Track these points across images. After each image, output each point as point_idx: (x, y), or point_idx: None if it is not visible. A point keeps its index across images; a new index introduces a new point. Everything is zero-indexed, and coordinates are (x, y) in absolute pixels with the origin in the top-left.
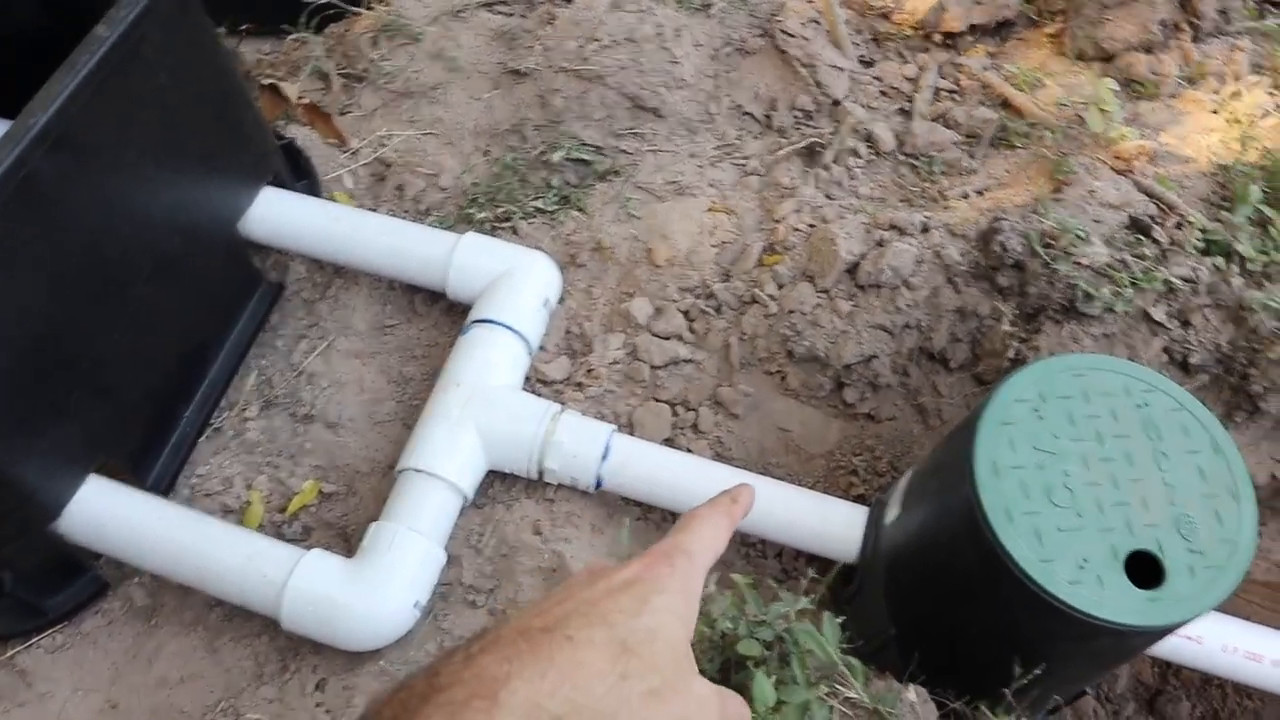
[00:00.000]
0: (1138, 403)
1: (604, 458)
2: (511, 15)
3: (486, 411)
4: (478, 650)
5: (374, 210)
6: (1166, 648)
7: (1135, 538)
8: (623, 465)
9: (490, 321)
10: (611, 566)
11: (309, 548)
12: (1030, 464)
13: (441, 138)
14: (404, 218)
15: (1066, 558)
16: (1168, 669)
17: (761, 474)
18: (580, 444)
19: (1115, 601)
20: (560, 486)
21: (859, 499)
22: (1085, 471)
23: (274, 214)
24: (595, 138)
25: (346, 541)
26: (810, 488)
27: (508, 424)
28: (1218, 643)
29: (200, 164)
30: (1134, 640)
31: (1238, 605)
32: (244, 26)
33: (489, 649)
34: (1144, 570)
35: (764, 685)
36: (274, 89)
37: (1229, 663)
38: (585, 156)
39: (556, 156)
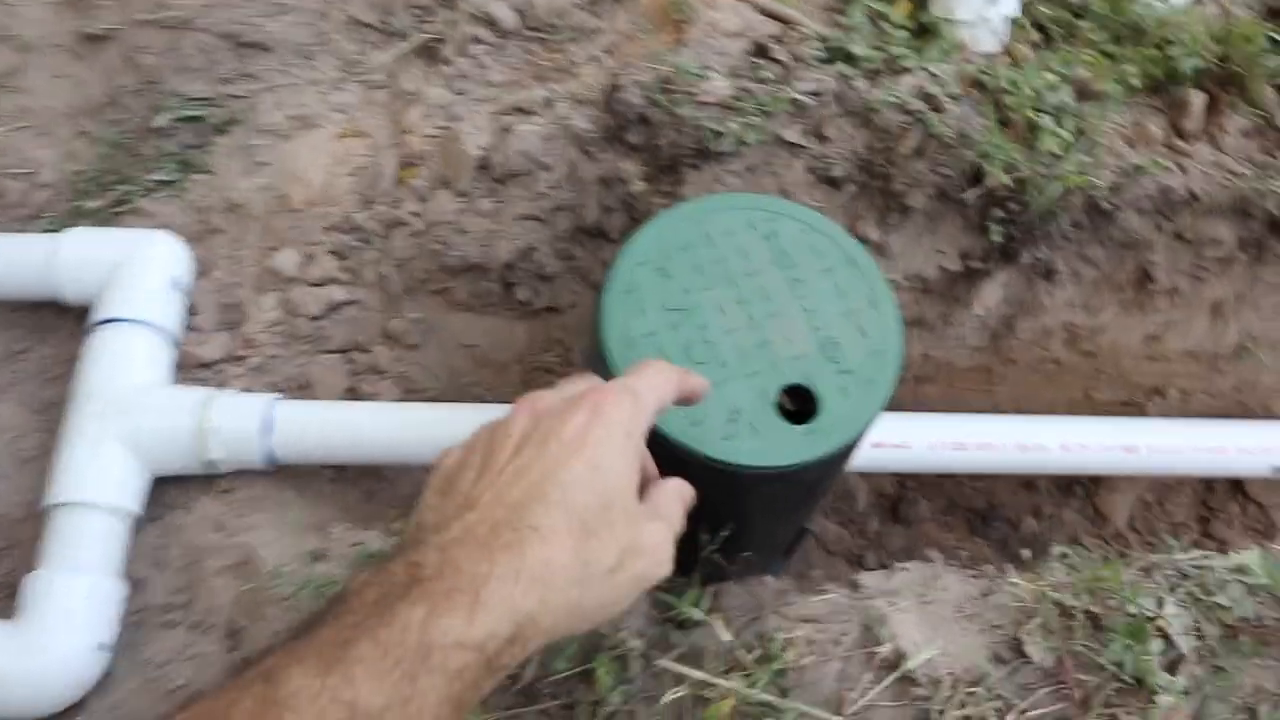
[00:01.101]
0: (765, 234)
1: (269, 431)
2: None
3: (128, 417)
4: (450, 542)
5: None
6: (882, 461)
7: (783, 375)
8: (292, 434)
9: (114, 320)
10: (554, 407)
11: None
12: (663, 327)
13: (33, 129)
14: (11, 228)
15: (716, 415)
16: (904, 476)
17: (458, 398)
18: (239, 424)
19: (772, 446)
20: (238, 473)
21: None
22: (722, 320)
23: None
24: (202, 90)
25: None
26: (511, 396)
27: (156, 424)
28: (923, 443)
29: None
30: (804, 476)
31: (953, 395)
32: None
33: (464, 542)
34: (802, 404)
35: None
36: None
37: (940, 458)
38: (196, 113)
39: (163, 120)
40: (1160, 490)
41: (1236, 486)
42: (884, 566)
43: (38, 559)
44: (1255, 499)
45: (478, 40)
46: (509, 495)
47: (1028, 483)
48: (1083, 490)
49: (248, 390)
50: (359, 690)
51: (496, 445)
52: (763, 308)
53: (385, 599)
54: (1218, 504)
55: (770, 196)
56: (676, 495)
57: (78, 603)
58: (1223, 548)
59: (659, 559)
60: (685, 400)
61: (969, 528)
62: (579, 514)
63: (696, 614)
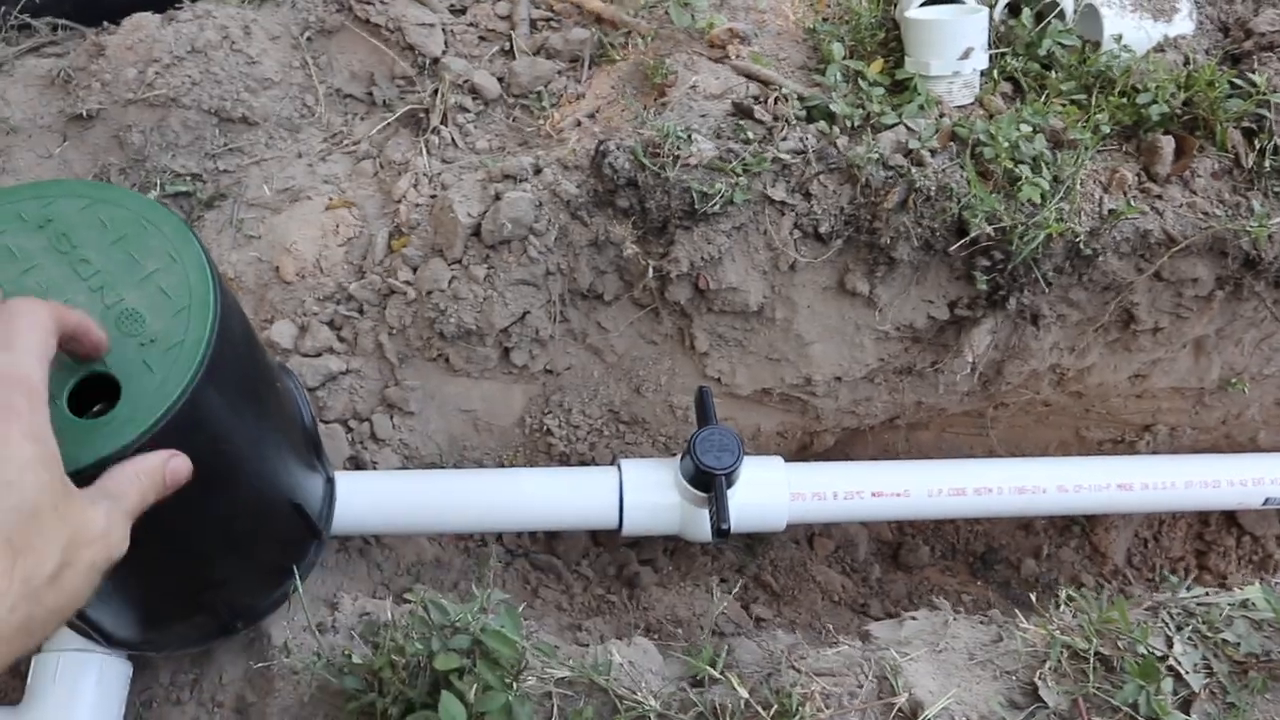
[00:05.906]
0: (38, 224)
1: None
2: (62, 56)
3: None
4: None
5: None
6: (882, 510)
7: (73, 370)
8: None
9: None
10: None
11: None
12: None
13: None
14: None
15: None
16: (903, 524)
17: (458, 464)
18: None
19: (66, 451)
20: None
21: (561, 457)
22: None
23: None
24: (189, 165)
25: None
26: (512, 458)
27: None
28: (923, 490)
29: None
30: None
31: (946, 440)
32: None
33: None
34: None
35: (451, 705)
36: None
37: (939, 504)
38: (184, 189)
39: (151, 198)
40: (1156, 526)
41: (1231, 519)
42: (889, 615)
43: (45, 641)
44: (1250, 531)
45: (462, 109)
46: None
47: (1026, 524)
48: (1080, 529)
49: None
50: None
51: None
52: None
53: None
54: (1213, 537)
55: (45, 181)
56: (133, 473)
57: (85, 684)
58: (1222, 581)
59: (110, 541)
60: (76, 342)
61: (970, 571)
62: (5, 533)
63: (711, 672)
